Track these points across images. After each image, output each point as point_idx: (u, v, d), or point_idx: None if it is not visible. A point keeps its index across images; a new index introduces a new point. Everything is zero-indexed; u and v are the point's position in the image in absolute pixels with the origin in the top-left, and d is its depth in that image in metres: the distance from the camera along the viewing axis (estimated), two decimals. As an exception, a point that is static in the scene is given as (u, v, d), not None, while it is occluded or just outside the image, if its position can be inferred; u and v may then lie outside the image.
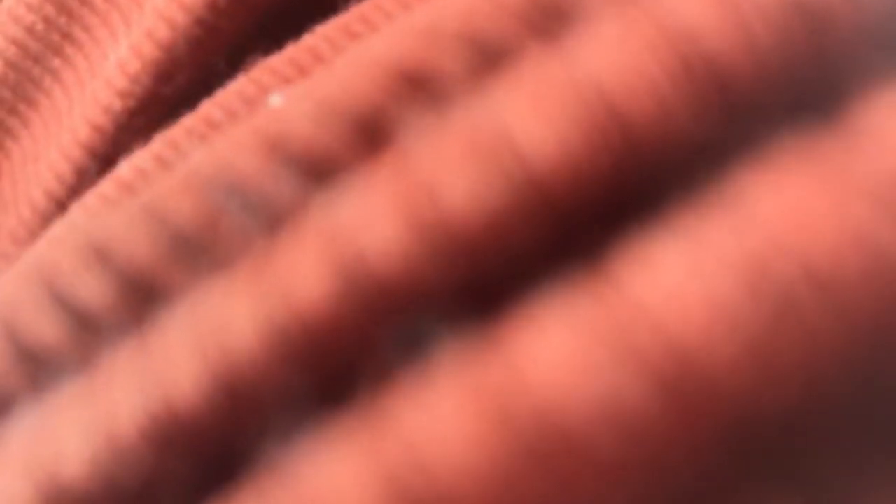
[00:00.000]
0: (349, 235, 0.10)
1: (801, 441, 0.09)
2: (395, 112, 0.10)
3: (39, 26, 0.19)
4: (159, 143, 0.14)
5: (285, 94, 0.12)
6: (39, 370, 0.11)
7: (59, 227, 0.14)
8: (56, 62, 0.19)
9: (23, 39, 0.20)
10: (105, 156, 0.18)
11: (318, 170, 0.10)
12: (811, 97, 0.09)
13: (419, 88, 0.10)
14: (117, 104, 0.17)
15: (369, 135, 0.10)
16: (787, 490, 0.09)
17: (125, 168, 0.14)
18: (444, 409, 0.09)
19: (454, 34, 0.11)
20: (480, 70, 0.10)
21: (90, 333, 0.11)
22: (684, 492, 0.08)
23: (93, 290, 0.11)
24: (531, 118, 0.10)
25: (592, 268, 0.09)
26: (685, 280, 0.08)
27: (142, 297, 0.11)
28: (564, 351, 0.08)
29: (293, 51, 0.15)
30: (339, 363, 0.09)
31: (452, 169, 0.10)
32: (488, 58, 0.10)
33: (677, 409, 0.08)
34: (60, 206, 0.18)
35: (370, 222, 0.10)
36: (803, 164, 0.09)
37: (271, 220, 0.10)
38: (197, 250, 0.10)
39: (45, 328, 0.11)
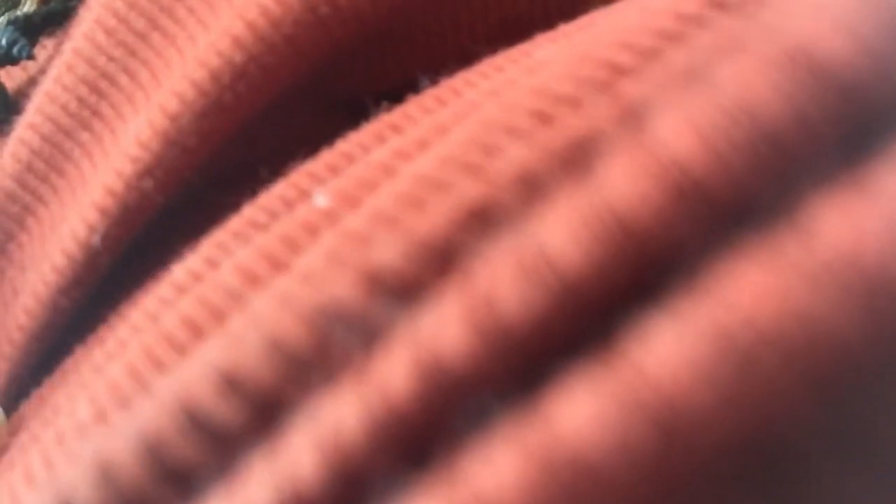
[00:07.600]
0: (428, 344, 0.12)
1: (781, 465, 0.11)
2: (461, 242, 0.13)
3: (73, 105, 0.21)
4: (208, 246, 0.16)
5: (326, 193, 0.14)
6: (184, 485, 0.13)
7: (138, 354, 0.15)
8: (85, 136, 0.21)
9: (57, 117, 0.21)
10: (114, 216, 0.20)
11: (403, 293, 0.13)
12: (771, 202, 0.12)
13: (480, 221, 0.13)
14: (128, 168, 0.19)
15: (442, 262, 0.13)
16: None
17: (179, 272, 0.16)
18: (502, 463, 0.11)
19: (509, 175, 0.13)
20: (526, 202, 0.13)
21: (228, 448, 0.13)
22: None
23: (227, 414, 0.13)
24: (563, 239, 0.12)
25: (607, 345, 0.12)
26: (675, 350, 0.11)
27: (268, 414, 0.13)
28: (589, 411, 0.11)
29: (328, 156, 0.17)
30: (422, 439, 0.12)
31: (504, 284, 0.12)
32: (532, 192, 0.13)
33: (671, 446, 0.11)
34: (74, 265, 0.20)
35: (444, 332, 0.12)
36: (763, 257, 0.11)
37: (367, 338, 0.13)
38: (310, 369, 0.13)
39: (189, 451, 0.13)
